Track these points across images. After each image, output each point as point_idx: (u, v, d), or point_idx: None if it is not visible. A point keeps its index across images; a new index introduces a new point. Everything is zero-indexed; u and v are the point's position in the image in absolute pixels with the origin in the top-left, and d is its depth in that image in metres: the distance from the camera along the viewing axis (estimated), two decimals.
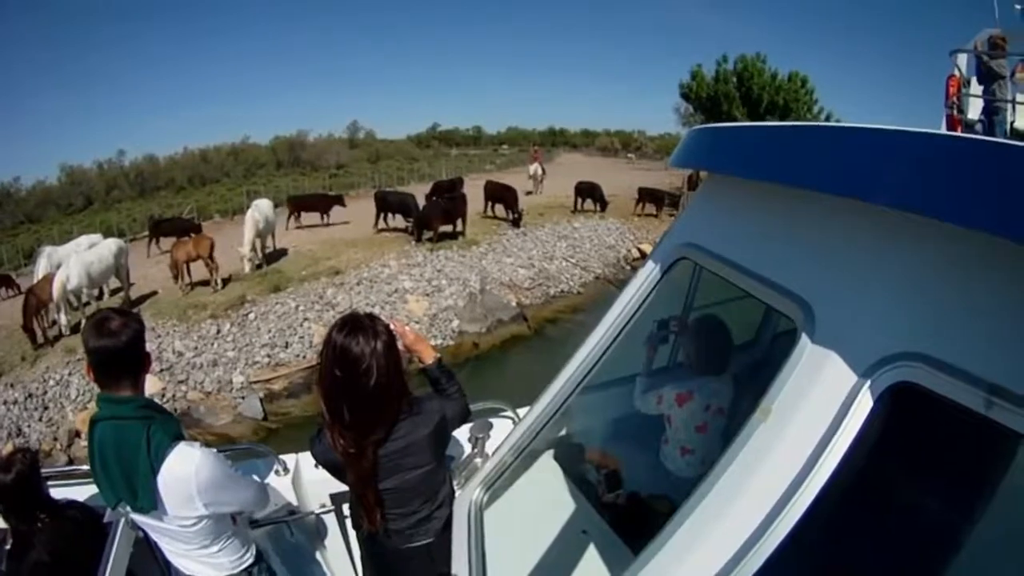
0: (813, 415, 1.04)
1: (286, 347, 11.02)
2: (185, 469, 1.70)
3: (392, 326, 1.84)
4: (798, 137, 1.26)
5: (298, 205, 20.18)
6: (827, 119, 24.34)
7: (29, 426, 9.92)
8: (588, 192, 22.69)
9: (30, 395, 10.46)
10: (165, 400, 10.24)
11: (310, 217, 19.78)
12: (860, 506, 1.28)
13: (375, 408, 1.74)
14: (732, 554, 1.05)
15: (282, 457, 2.83)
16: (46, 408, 10.33)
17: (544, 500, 2.26)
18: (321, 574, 2.74)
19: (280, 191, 27.38)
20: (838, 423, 1.00)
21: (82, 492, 2.41)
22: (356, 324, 1.70)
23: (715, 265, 1.46)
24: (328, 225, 19.43)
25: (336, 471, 1.89)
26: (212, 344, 11.23)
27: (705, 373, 2.11)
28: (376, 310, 12.13)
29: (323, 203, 20.21)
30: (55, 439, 9.72)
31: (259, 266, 14.57)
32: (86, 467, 1.85)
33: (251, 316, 11.93)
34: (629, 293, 1.72)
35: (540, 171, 26.28)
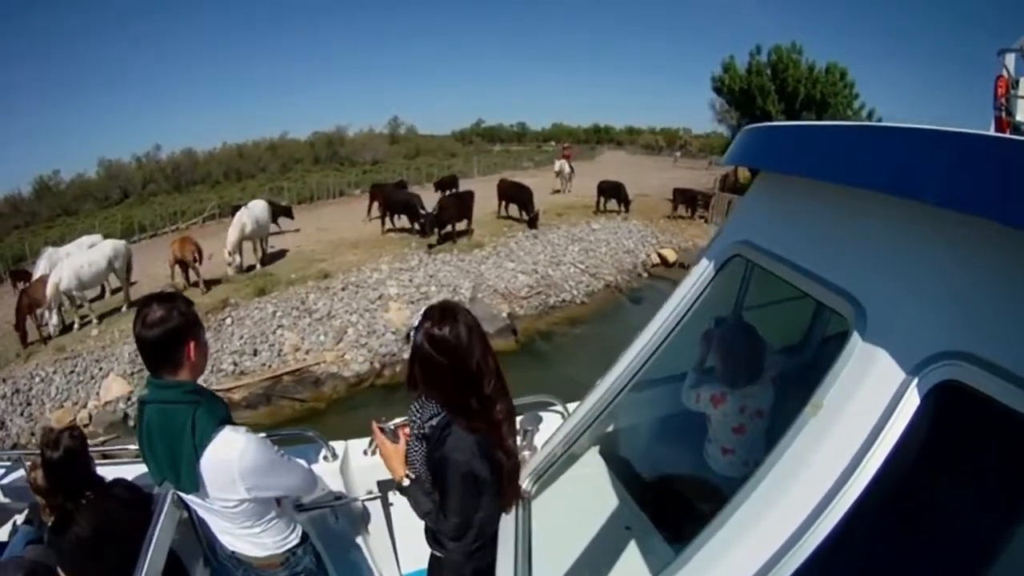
0: (862, 411, 1.05)
1: (254, 355, 10.64)
2: (228, 454, 1.73)
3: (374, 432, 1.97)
4: (852, 136, 1.28)
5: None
6: (869, 116, 22.49)
7: (11, 420, 10.11)
8: (612, 191, 21.55)
9: (17, 390, 10.74)
10: (131, 402, 10.13)
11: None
12: (904, 505, 1.29)
13: (494, 378, 1.75)
14: (775, 551, 1.05)
15: (331, 443, 2.82)
16: (29, 404, 10.58)
17: (590, 495, 2.30)
18: (364, 560, 2.86)
19: (304, 188, 27.60)
20: (886, 420, 1.01)
21: (132, 471, 2.47)
22: (452, 311, 1.70)
23: (768, 262, 1.48)
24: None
25: (485, 457, 1.75)
26: None
27: (733, 385, 2.11)
28: (354, 318, 11.67)
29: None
30: (32, 434, 9.84)
31: (250, 268, 14.42)
32: (135, 446, 1.88)
33: (227, 321, 11.64)
34: (683, 290, 1.74)
35: (568, 169, 25.35)
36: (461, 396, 1.71)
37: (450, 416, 1.75)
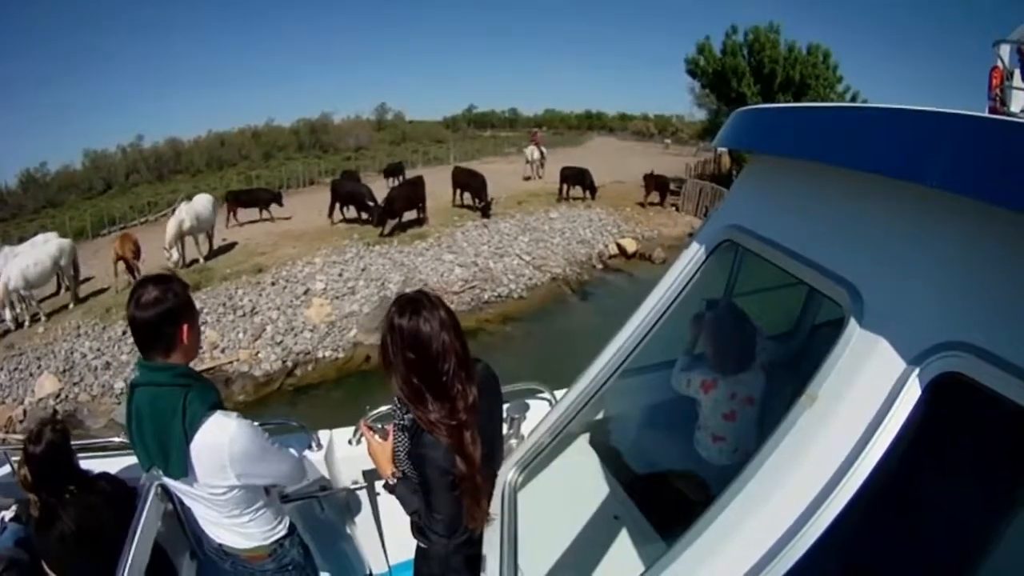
0: (860, 402, 1.03)
1: None
2: (219, 439, 1.73)
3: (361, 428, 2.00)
4: (853, 117, 1.25)
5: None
6: (853, 99, 21.79)
7: None
8: (576, 178, 21.30)
9: None
10: (60, 400, 10.59)
11: None
12: (903, 499, 1.27)
13: (457, 378, 1.69)
14: (771, 546, 1.03)
15: (316, 433, 2.83)
16: None
17: (578, 483, 2.30)
18: (351, 550, 2.88)
19: (279, 176, 27.80)
20: (885, 412, 0.98)
21: (115, 464, 2.46)
22: (416, 303, 1.66)
23: (760, 248, 1.44)
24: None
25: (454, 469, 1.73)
26: (114, 346, 11.44)
27: (723, 372, 2.10)
28: (275, 315, 12.00)
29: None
30: None
31: (193, 262, 14.68)
32: (119, 439, 1.93)
33: None
34: (672, 275, 1.71)
35: (538, 155, 25.20)
36: (417, 389, 1.68)
37: (410, 409, 1.74)
